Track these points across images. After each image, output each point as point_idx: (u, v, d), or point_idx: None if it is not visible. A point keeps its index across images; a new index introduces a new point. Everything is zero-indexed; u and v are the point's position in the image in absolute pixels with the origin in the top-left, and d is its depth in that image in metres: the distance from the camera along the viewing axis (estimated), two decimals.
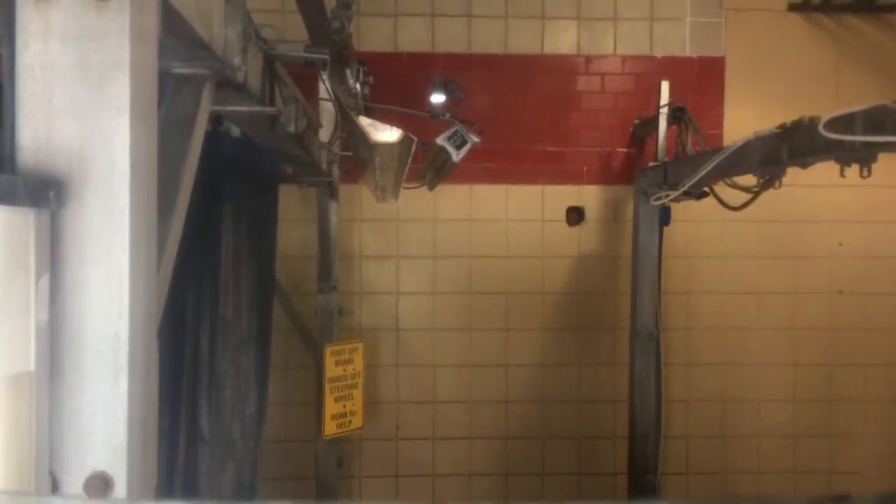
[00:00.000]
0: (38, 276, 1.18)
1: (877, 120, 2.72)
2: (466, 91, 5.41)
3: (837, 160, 2.96)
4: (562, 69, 5.54)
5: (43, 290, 1.19)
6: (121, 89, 1.25)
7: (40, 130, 1.23)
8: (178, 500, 0.76)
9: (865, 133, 2.72)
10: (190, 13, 1.62)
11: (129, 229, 1.25)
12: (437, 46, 5.47)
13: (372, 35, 5.39)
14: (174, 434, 2.98)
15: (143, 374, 1.31)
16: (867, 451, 5.59)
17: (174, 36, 1.66)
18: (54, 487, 1.22)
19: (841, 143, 2.83)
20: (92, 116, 1.24)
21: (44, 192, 1.18)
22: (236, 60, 2.05)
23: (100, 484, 1.23)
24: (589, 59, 5.55)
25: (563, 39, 5.54)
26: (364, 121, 3.69)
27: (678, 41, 5.56)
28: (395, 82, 5.24)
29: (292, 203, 5.16)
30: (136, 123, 1.26)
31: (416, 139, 3.70)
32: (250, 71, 2.26)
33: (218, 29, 1.92)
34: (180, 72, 1.90)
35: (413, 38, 5.46)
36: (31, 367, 1.16)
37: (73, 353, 1.23)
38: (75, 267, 1.23)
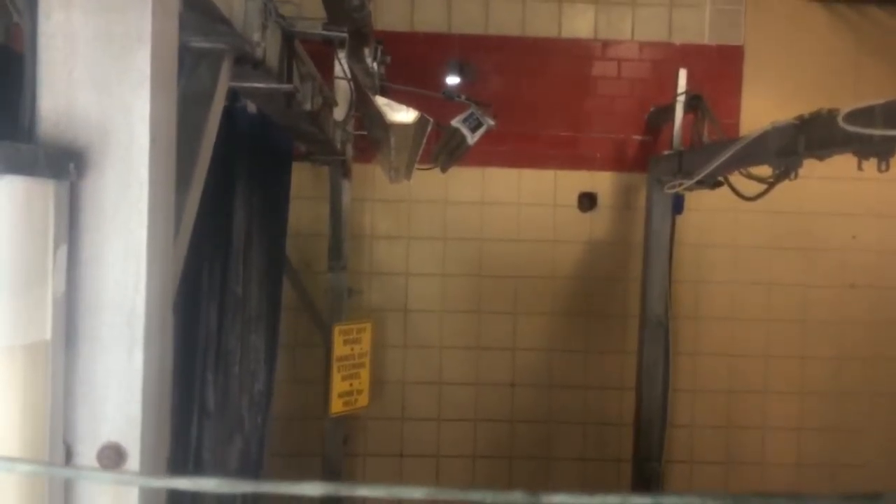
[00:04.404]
0: (56, 246, 1.18)
1: None
2: (481, 73, 5.38)
3: (856, 153, 2.94)
4: (578, 53, 5.49)
5: (60, 261, 1.19)
6: (142, 61, 1.25)
7: (61, 101, 1.23)
8: (189, 477, 0.76)
9: (885, 126, 2.69)
10: None
11: (147, 202, 1.25)
12: (453, 27, 5.44)
13: (387, 14, 5.36)
14: (180, 408, 2.99)
15: (158, 348, 1.31)
16: (873, 445, 5.57)
17: (194, 10, 1.65)
18: (68, 457, 1.23)
19: (859, 135, 2.80)
20: (113, 88, 1.24)
21: (63, 163, 1.18)
22: (255, 36, 2.05)
23: (113, 454, 1.24)
24: (606, 45, 5.51)
25: (580, 23, 5.50)
26: (380, 100, 3.67)
27: (697, 28, 5.50)
28: (410, 62, 5.20)
29: (305, 181, 5.15)
30: (156, 96, 1.26)
31: (431, 120, 3.68)
32: (269, 47, 2.26)
33: (238, 4, 1.91)
34: (199, 46, 1.90)
35: (429, 17, 5.43)
36: (48, 335, 1.17)
37: (89, 324, 1.24)
38: (93, 239, 1.24)
